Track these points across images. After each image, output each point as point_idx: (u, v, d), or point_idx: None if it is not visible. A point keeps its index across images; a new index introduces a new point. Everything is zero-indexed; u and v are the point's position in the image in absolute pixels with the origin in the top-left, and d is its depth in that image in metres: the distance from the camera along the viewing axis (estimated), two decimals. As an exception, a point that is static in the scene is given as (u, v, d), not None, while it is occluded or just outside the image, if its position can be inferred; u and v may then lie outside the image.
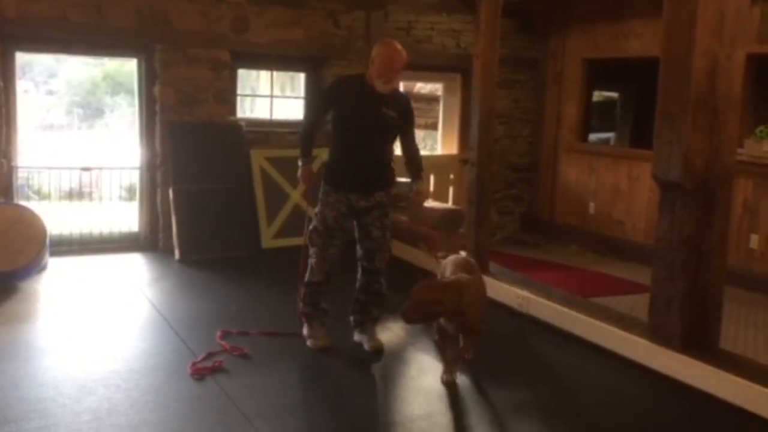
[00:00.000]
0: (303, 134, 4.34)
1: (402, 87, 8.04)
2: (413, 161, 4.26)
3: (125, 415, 3.33)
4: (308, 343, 4.29)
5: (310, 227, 4.25)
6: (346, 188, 4.13)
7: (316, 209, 4.25)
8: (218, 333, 4.32)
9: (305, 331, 4.35)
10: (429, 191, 4.29)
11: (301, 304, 4.34)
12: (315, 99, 4.35)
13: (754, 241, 6.18)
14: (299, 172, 4.31)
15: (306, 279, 4.29)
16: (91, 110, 15.14)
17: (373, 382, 3.94)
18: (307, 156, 4.29)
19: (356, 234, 4.24)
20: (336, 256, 4.21)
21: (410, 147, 4.26)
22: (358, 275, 4.32)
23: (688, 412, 3.68)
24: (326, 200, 4.17)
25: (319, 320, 4.31)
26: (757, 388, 3.52)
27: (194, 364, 3.89)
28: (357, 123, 4.09)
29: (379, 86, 4.04)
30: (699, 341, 3.93)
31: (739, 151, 5.15)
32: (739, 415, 3.54)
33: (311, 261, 4.25)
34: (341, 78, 4.46)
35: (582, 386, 4.02)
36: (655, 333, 4.05)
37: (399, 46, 4.12)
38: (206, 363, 3.92)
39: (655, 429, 3.54)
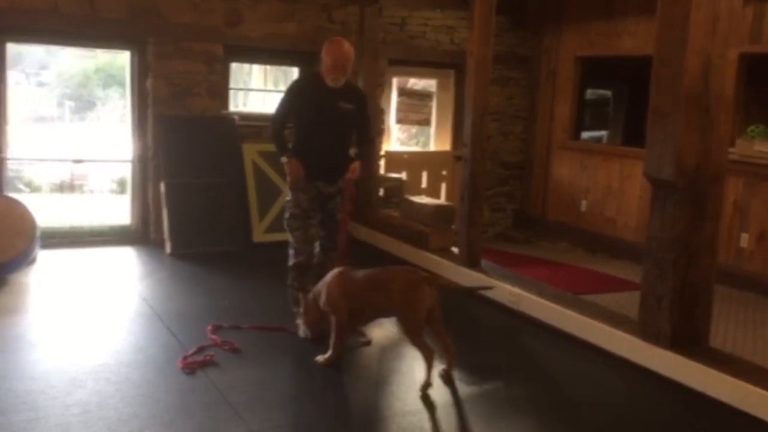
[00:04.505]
0: (275, 133, 4.56)
1: (395, 82, 8.07)
2: (363, 145, 4.75)
3: (115, 408, 3.32)
4: (301, 334, 4.35)
5: (286, 215, 4.55)
6: (314, 176, 4.48)
7: (288, 198, 4.56)
8: (209, 327, 4.32)
9: (298, 323, 4.39)
10: (358, 172, 4.61)
11: (289, 289, 4.57)
12: (282, 98, 4.61)
13: (745, 240, 6.21)
14: (287, 167, 4.51)
15: (291, 263, 4.55)
16: (82, 103, 15.04)
17: (364, 376, 3.94)
18: (287, 150, 4.54)
19: (319, 217, 4.59)
20: (316, 236, 4.57)
21: (364, 134, 4.70)
22: (316, 251, 4.63)
23: (678, 409, 3.70)
24: (297, 186, 4.49)
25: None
26: (746, 386, 3.54)
27: (185, 358, 3.88)
28: (316, 118, 4.46)
29: (330, 82, 4.41)
30: (688, 339, 3.95)
31: (731, 150, 5.17)
32: (729, 412, 3.55)
33: (293, 246, 4.53)
34: (300, 78, 4.75)
35: (572, 383, 4.03)
36: (645, 330, 4.07)
37: (346, 45, 4.43)
38: (197, 357, 3.91)
39: (644, 426, 3.56)
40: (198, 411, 3.37)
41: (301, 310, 4.19)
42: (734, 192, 6.19)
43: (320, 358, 3.97)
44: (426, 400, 3.65)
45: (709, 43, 3.77)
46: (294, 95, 4.53)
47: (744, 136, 6.21)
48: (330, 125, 4.47)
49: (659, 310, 3.98)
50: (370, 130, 4.86)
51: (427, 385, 3.70)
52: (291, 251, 4.56)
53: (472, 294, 4.61)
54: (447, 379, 3.85)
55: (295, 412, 3.52)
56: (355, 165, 4.57)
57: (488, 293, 5.04)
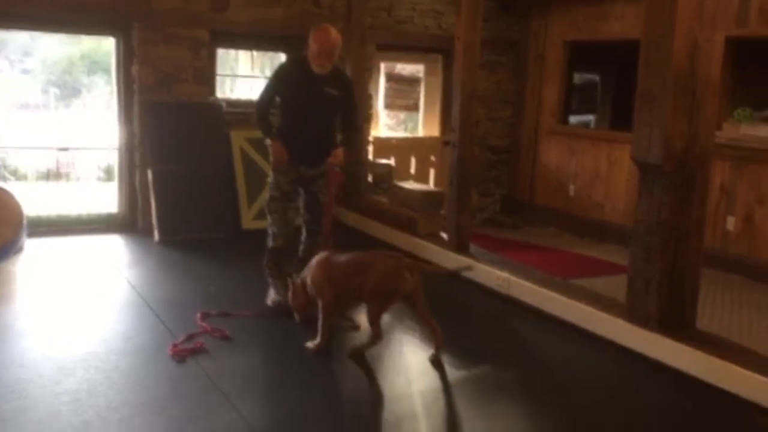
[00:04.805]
0: (260, 115, 4.59)
1: (383, 67, 8.04)
2: (349, 131, 4.78)
3: (105, 396, 3.32)
4: (269, 301, 4.60)
5: (267, 197, 4.64)
6: (297, 160, 4.52)
7: (269, 178, 4.63)
8: (198, 314, 4.31)
9: (270, 293, 4.63)
10: (342, 159, 4.69)
11: (266, 268, 4.66)
12: (268, 82, 4.67)
13: (731, 222, 6.25)
14: (272, 149, 4.57)
15: (269, 245, 4.63)
16: (67, 89, 14.91)
17: (353, 362, 3.95)
18: (272, 133, 4.58)
19: (303, 200, 4.68)
20: (295, 219, 4.64)
21: (348, 121, 4.71)
22: (303, 237, 4.74)
23: (666, 391, 3.73)
24: (278, 168, 4.55)
25: (282, 282, 4.51)
26: (732, 368, 3.58)
27: (175, 345, 3.87)
28: (301, 103, 4.51)
29: (316, 69, 4.43)
30: (676, 321, 3.99)
31: (717, 133, 5.20)
32: (716, 393, 3.59)
33: (272, 228, 4.61)
34: (285, 62, 4.82)
35: (561, 366, 4.06)
36: (633, 313, 4.10)
37: (333, 32, 4.44)
38: (187, 344, 3.91)
39: (633, 408, 3.59)
40: (188, 398, 3.37)
41: (289, 294, 4.21)
42: (721, 175, 6.22)
43: (310, 344, 3.98)
44: (416, 384, 3.67)
45: (696, 26, 3.77)
46: (280, 79, 4.56)
47: (730, 120, 6.24)
48: (315, 110, 4.51)
49: (647, 293, 4.01)
50: (357, 117, 4.87)
51: (355, 354, 3.85)
52: (269, 234, 4.64)
53: (454, 276, 4.63)
54: (436, 363, 3.87)
55: (286, 398, 3.53)
56: (339, 150, 4.61)
57: (477, 278, 5.07)
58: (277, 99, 4.59)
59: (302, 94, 4.49)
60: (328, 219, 4.71)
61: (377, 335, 3.86)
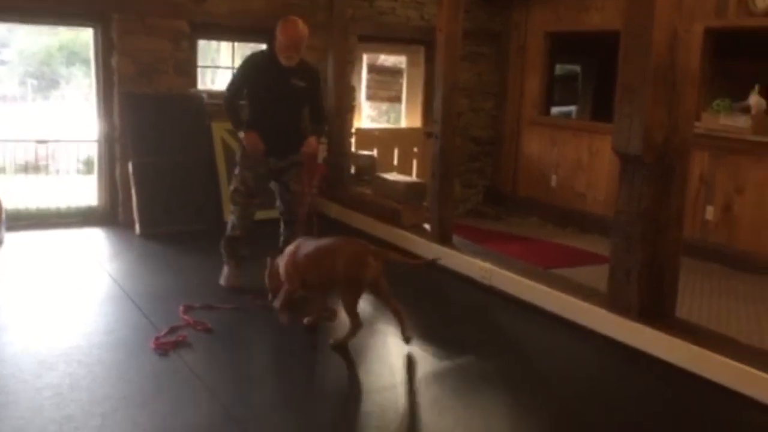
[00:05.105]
0: (228, 106, 4.65)
1: (365, 59, 8.03)
2: (316, 121, 4.83)
3: (87, 390, 3.30)
4: (221, 281, 4.77)
5: (232, 188, 4.76)
6: (266, 151, 4.58)
7: (236, 171, 4.71)
8: (181, 307, 4.29)
9: (223, 272, 4.80)
10: (317, 146, 4.79)
11: (222, 252, 4.81)
12: (235, 73, 4.77)
13: (710, 212, 6.32)
14: (245, 140, 4.60)
15: (227, 233, 4.79)
16: (45, 81, 14.72)
17: (336, 354, 3.95)
18: (243, 124, 4.65)
19: (276, 191, 4.81)
20: (254, 214, 4.77)
21: (316, 111, 4.80)
22: (281, 230, 4.87)
23: (647, 379, 3.77)
24: (246, 163, 4.65)
25: (236, 263, 4.79)
26: (711, 356, 3.62)
27: (157, 338, 3.86)
28: (269, 95, 4.59)
29: (284, 61, 4.52)
30: (656, 311, 4.03)
31: (697, 124, 5.24)
32: (696, 381, 3.64)
33: (232, 218, 4.76)
34: (252, 55, 4.89)
35: (544, 356, 4.10)
36: (614, 303, 4.14)
37: (300, 25, 4.52)
38: (169, 337, 3.89)
39: (614, 396, 3.63)
40: (171, 391, 3.36)
41: (266, 273, 4.35)
42: (700, 166, 6.28)
43: (276, 303, 4.21)
44: (400, 375, 3.69)
45: (675, 17, 3.80)
46: (247, 70, 4.62)
47: (709, 110, 6.30)
48: (283, 102, 4.59)
49: (628, 283, 4.05)
50: (324, 107, 4.94)
51: (338, 346, 3.89)
52: (229, 222, 4.80)
53: (420, 267, 4.67)
54: (408, 340, 3.96)
55: (270, 390, 3.53)
56: (311, 139, 4.70)
57: (460, 268, 5.10)
58: (245, 91, 4.65)
59: (271, 85, 4.56)
60: (303, 208, 4.77)
61: (356, 324, 3.89)
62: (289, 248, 4.21)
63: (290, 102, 4.64)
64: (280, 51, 4.51)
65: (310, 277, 4.05)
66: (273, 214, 5.05)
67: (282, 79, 4.54)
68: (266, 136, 4.56)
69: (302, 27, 4.53)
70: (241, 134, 4.63)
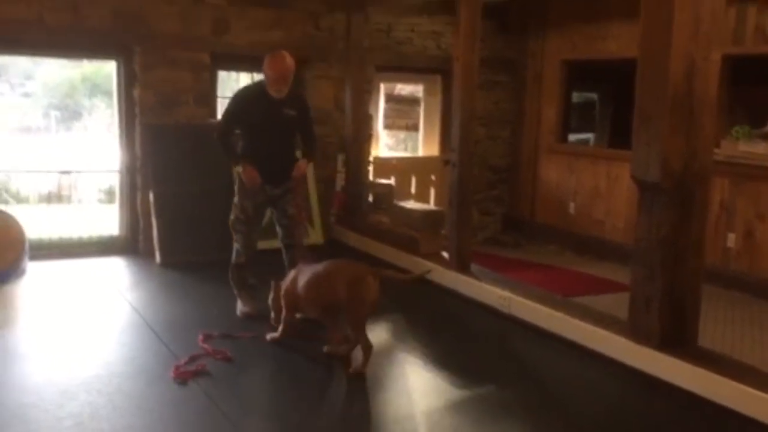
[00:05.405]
0: (222, 141, 4.78)
1: (383, 88, 8.10)
2: (308, 146, 4.97)
3: (108, 420, 3.31)
4: (238, 312, 4.84)
5: (232, 217, 4.85)
6: (262, 180, 4.71)
7: (235, 200, 4.83)
8: (200, 336, 4.31)
9: (238, 304, 4.87)
10: (305, 169, 4.96)
11: (231, 282, 4.92)
12: (227, 108, 4.91)
13: (731, 239, 6.26)
14: (245, 175, 4.70)
15: (233, 262, 4.91)
16: (68, 113, 14.98)
17: (356, 383, 3.94)
18: (239, 157, 4.77)
19: (274, 217, 4.94)
20: (257, 240, 4.91)
21: (308, 137, 4.94)
22: (284, 255, 4.95)
23: (668, 409, 3.72)
24: (244, 193, 4.78)
25: (247, 293, 4.90)
26: (735, 385, 3.57)
27: (177, 367, 3.87)
28: (262, 126, 4.71)
29: (274, 94, 4.63)
30: (678, 339, 3.98)
31: (716, 151, 5.22)
32: (718, 412, 3.58)
33: (237, 246, 4.87)
34: (242, 90, 4.99)
35: (564, 385, 4.05)
36: (635, 331, 4.10)
37: (287, 58, 4.62)
38: (189, 366, 3.90)
39: (635, 426, 3.58)
40: (191, 421, 3.36)
41: (270, 294, 4.44)
42: (720, 192, 6.24)
43: (268, 336, 4.31)
44: (419, 405, 3.67)
45: (692, 45, 3.81)
46: (240, 105, 4.75)
47: (729, 137, 6.27)
48: (276, 132, 4.74)
49: (648, 311, 4.01)
50: (314, 133, 5.03)
51: (358, 373, 3.87)
52: (234, 251, 4.90)
53: (415, 282, 4.66)
54: (357, 373, 3.92)
55: (289, 420, 3.52)
56: (300, 163, 4.84)
57: (479, 297, 5.10)
58: (236, 127, 4.80)
59: (262, 118, 4.68)
60: (300, 230, 4.98)
61: (367, 346, 3.92)
62: (289, 275, 4.31)
63: (283, 131, 4.78)
64: (270, 85, 4.62)
65: (312, 303, 4.12)
66: (275, 243, 5.10)
67: (274, 110, 4.66)
68: (262, 166, 4.69)
69: (289, 60, 4.62)
70: (239, 169, 4.74)
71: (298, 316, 4.35)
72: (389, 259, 6.25)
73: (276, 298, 4.37)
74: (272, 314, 4.47)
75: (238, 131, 4.84)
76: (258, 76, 7.38)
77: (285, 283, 4.29)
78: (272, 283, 4.41)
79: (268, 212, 5.01)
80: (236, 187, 4.85)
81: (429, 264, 5.61)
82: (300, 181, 4.95)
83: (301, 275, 4.19)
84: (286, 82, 4.63)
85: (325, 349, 4.19)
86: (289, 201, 4.85)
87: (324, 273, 4.08)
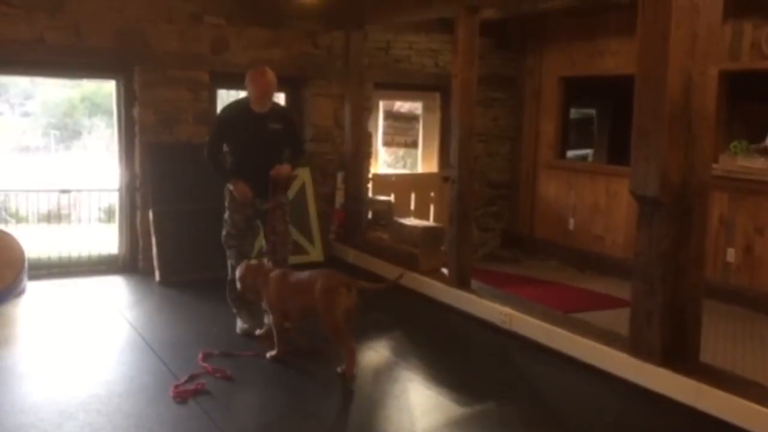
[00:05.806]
0: (212, 160, 4.85)
1: (381, 105, 8.13)
2: (294, 154, 4.99)
3: (107, 439, 3.29)
4: (237, 330, 4.85)
5: (224, 233, 4.88)
6: (252, 195, 4.75)
7: (225, 216, 4.87)
8: (200, 355, 4.29)
9: (237, 322, 4.89)
10: (289, 172, 4.97)
11: (228, 299, 4.95)
12: (212, 128, 5.08)
13: (731, 254, 6.26)
14: (236, 190, 4.74)
15: (229, 278, 4.89)
16: (68, 132, 15.03)
17: (356, 401, 3.93)
18: (229, 174, 4.80)
19: (262, 231, 4.99)
20: (251, 252, 4.99)
21: (296, 149, 5.02)
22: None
23: (670, 425, 3.71)
24: (234, 207, 4.82)
25: (247, 311, 4.90)
26: (737, 401, 3.55)
27: (176, 386, 3.86)
28: (249, 141, 4.76)
29: (258, 108, 4.74)
30: (679, 354, 3.97)
31: (714, 166, 5.23)
32: (720, 427, 3.57)
33: (231, 261, 4.88)
34: (226, 107, 5.04)
35: (564, 401, 4.04)
36: (636, 347, 4.09)
37: (269, 73, 4.72)
38: (188, 385, 3.89)
39: (638, 443, 3.56)
40: (191, 440, 3.34)
41: (238, 270, 4.52)
42: (719, 207, 6.25)
43: (268, 354, 4.35)
44: (420, 422, 3.65)
45: (689, 61, 3.83)
46: (225, 125, 4.82)
47: (727, 152, 6.29)
48: (263, 146, 4.77)
49: (649, 326, 4.00)
50: (301, 143, 5.13)
51: (348, 378, 4.02)
52: (229, 267, 4.91)
53: (388, 289, 4.67)
54: (346, 379, 4.05)
55: (289, 438, 3.50)
56: (282, 166, 4.81)
57: (479, 313, 5.09)
58: (223, 144, 4.85)
59: (248, 134, 4.74)
60: (287, 247, 4.96)
61: (350, 349, 4.06)
62: (274, 279, 4.35)
63: (269, 145, 4.80)
64: (253, 100, 4.72)
65: (293, 307, 4.29)
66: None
67: (258, 124, 4.73)
68: (251, 180, 4.73)
69: (270, 75, 4.72)
70: (231, 186, 4.78)
71: (287, 325, 4.43)
72: (389, 276, 6.23)
73: (247, 274, 4.44)
74: (242, 326, 4.80)
75: (226, 149, 4.89)
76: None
77: (267, 288, 4.36)
78: (243, 261, 4.56)
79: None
80: (226, 203, 4.89)
81: (424, 279, 5.61)
82: (278, 181, 4.81)
83: (285, 282, 4.33)
84: (270, 96, 4.77)
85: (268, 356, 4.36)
86: (279, 218, 4.86)
87: (306, 280, 4.24)
